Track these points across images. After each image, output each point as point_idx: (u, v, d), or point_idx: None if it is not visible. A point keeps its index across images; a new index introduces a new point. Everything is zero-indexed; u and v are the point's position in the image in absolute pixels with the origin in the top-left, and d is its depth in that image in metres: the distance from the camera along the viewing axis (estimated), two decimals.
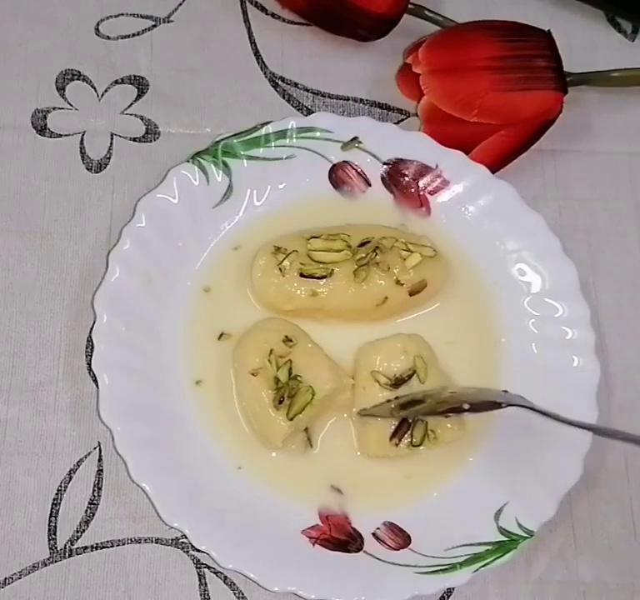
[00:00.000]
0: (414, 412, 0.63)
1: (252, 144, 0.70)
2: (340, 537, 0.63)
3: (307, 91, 0.76)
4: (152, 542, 0.64)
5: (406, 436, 0.63)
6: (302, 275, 0.65)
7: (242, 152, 0.69)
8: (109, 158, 0.72)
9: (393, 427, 0.63)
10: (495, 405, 0.62)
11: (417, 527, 0.63)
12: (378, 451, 0.64)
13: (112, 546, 0.64)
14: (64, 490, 0.64)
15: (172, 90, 0.75)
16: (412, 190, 0.71)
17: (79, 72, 0.74)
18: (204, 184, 0.68)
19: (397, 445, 0.63)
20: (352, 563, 0.62)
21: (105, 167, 0.72)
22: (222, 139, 0.69)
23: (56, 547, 0.63)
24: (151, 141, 0.73)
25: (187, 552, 0.64)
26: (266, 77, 0.76)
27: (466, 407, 0.61)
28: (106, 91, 0.74)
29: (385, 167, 0.71)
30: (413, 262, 0.65)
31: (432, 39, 0.72)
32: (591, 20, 0.81)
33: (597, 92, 0.78)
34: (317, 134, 0.70)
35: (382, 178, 0.71)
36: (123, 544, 0.64)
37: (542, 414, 0.60)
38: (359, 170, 0.71)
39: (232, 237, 0.69)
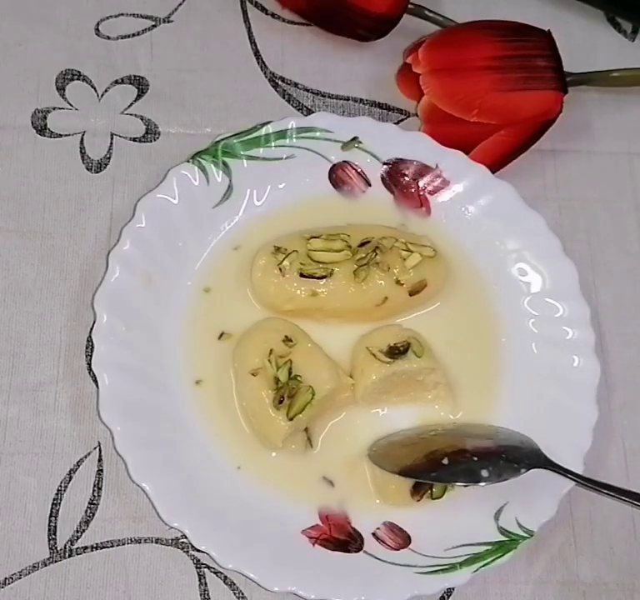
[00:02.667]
0: (427, 479, 0.62)
1: (252, 144, 0.70)
2: (340, 537, 0.63)
3: (307, 91, 0.76)
4: (152, 542, 0.64)
5: (426, 490, 0.64)
6: (302, 275, 0.65)
7: (242, 152, 0.69)
8: (109, 158, 0.72)
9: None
10: (515, 471, 0.61)
11: (417, 527, 0.63)
12: (397, 501, 0.64)
13: (112, 546, 0.64)
14: (64, 490, 0.64)
15: (172, 90, 0.75)
16: (412, 190, 0.71)
17: (79, 72, 0.74)
18: (204, 184, 0.68)
19: (418, 500, 0.64)
20: (352, 563, 0.62)
21: (105, 167, 0.72)
22: (222, 139, 0.69)
23: (56, 547, 0.63)
24: (151, 141, 0.73)
25: (187, 552, 0.64)
26: (266, 77, 0.76)
27: (485, 474, 0.61)
28: (106, 91, 0.74)
29: (385, 167, 0.71)
30: (413, 262, 0.65)
31: (432, 39, 0.72)
32: (591, 20, 0.81)
33: (597, 92, 0.78)
34: (317, 134, 0.70)
35: (382, 178, 0.71)
36: (123, 544, 0.64)
37: (572, 478, 0.61)
38: (359, 170, 0.71)
39: (232, 237, 0.69)
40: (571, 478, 0.61)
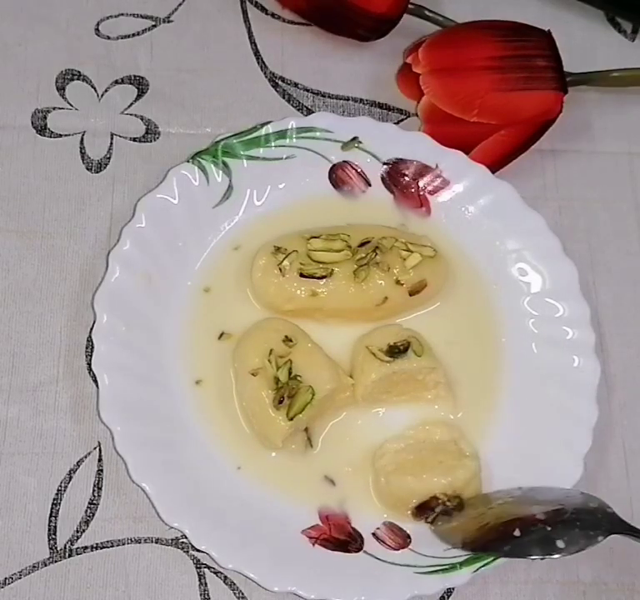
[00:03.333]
0: (501, 554, 0.60)
1: (252, 144, 0.70)
2: (340, 537, 0.63)
3: (307, 91, 0.76)
4: (152, 542, 0.64)
5: (431, 516, 0.62)
6: (302, 275, 0.65)
7: (242, 152, 0.69)
8: (109, 158, 0.72)
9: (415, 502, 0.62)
10: (591, 538, 0.58)
11: (417, 526, 0.63)
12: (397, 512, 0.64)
13: (112, 546, 0.64)
14: (64, 490, 0.64)
15: (172, 90, 0.75)
16: (412, 190, 0.71)
17: (79, 72, 0.74)
18: (204, 184, 0.68)
19: (424, 521, 0.63)
20: (352, 563, 0.62)
21: (105, 167, 0.72)
22: (222, 139, 0.69)
23: (56, 547, 0.63)
24: (151, 141, 0.73)
25: (187, 552, 0.64)
26: (266, 77, 0.76)
27: (560, 544, 0.58)
28: (106, 91, 0.74)
29: (385, 167, 0.71)
30: (413, 262, 0.65)
31: (432, 39, 0.72)
32: (591, 20, 0.81)
33: (597, 92, 0.78)
34: (317, 134, 0.70)
35: (382, 178, 0.71)
36: (123, 544, 0.64)
37: None
38: (359, 170, 0.71)
39: (232, 237, 0.69)
40: None
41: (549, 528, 0.59)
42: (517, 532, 0.59)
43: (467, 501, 0.62)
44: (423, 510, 0.62)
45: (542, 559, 0.59)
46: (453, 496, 0.61)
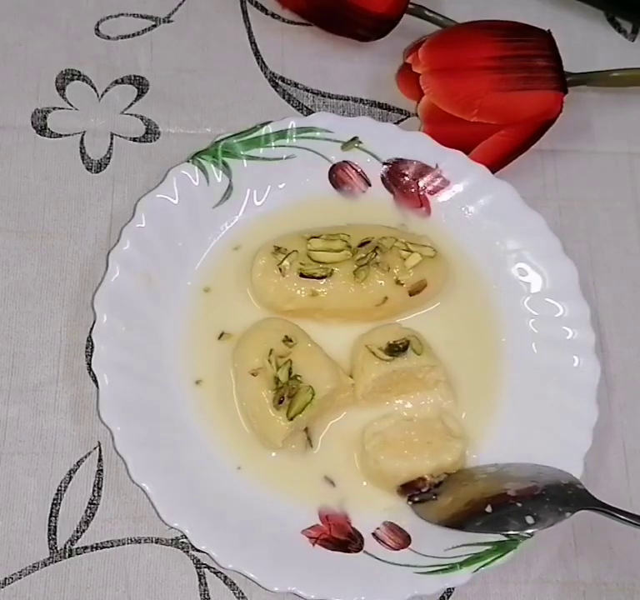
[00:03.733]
0: (473, 530, 0.61)
1: (252, 144, 0.70)
2: (340, 537, 0.63)
3: (307, 91, 0.76)
4: (152, 542, 0.64)
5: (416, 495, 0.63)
6: (302, 275, 0.65)
7: (242, 152, 0.69)
8: (109, 158, 0.72)
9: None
10: (560, 515, 0.59)
11: (417, 527, 0.63)
12: (382, 488, 0.64)
13: (112, 546, 0.64)
14: (64, 490, 0.64)
15: (172, 90, 0.75)
16: (412, 190, 0.71)
17: (79, 72, 0.74)
18: (204, 184, 0.68)
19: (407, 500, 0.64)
20: (352, 563, 0.62)
21: (105, 167, 0.72)
22: (222, 139, 0.69)
23: (56, 547, 0.63)
24: (151, 141, 0.73)
25: (187, 552, 0.64)
26: (266, 77, 0.76)
27: (530, 520, 0.59)
28: (106, 91, 0.74)
29: (385, 166, 0.71)
30: (413, 262, 0.65)
31: (432, 39, 0.72)
32: (591, 20, 0.81)
33: (597, 92, 0.78)
34: (317, 134, 0.70)
35: (382, 178, 0.71)
36: (123, 544, 0.64)
37: (623, 518, 0.59)
38: (359, 170, 0.71)
39: (232, 237, 0.69)
40: (622, 519, 0.60)
41: (520, 505, 0.60)
42: (488, 508, 0.60)
43: (443, 479, 0.63)
44: (409, 489, 0.63)
45: (513, 535, 0.60)
46: (439, 476, 0.63)
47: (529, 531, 0.60)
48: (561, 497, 0.61)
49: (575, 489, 0.61)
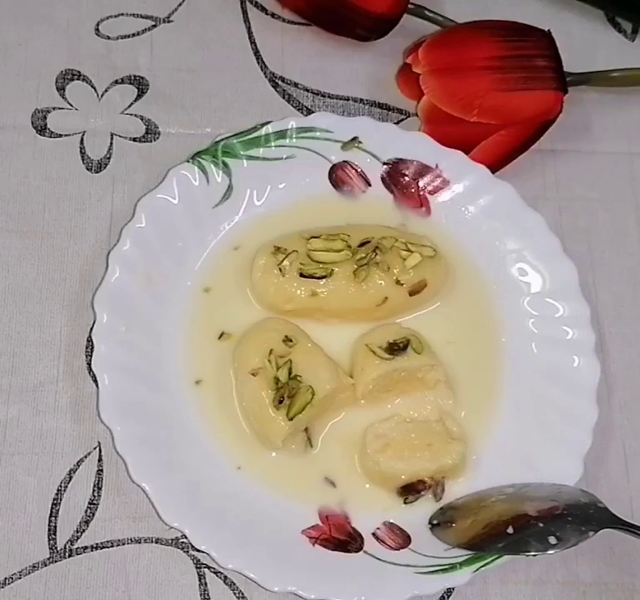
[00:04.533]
0: (495, 551, 0.60)
1: (252, 144, 0.70)
2: (340, 537, 0.63)
3: (307, 91, 0.76)
4: (152, 542, 0.64)
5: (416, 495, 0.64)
6: (302, 275, 0.65)
7: (242, 152, 0.69)
8: (109, 158, 0.72)
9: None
10: (582, 534, 0.59)
11: (417, 527, 0.63)
12: (381, 487, 0.64)
13: (112, 546, 0.64)
14: (64, 490, 0.64)
15: (172, 90, 0.75)
16: (412, 190, 0.71)
17: (79, 72, 0.74)
18: (204, 184, 0.68)
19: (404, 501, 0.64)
20: (352, 563, 0.62)
21: (105, 167, 0.72)
22: (222, 139, 0.69)
23: (56, 547, 0.63)
24: (151, 141, 0.73)
25: (187, 552, 0.64)
26: (266, 77, 0.76)
27: (552, 541, 0.58)
28: (106, 91, 0.74)
29: (385, 167, 0.71)
30: (413, 262, 0.65)
31: (432, 39, 0.72)
32: (591, 20, 0.81)
33: (597, 92, 0.78)
34: (317, 134, 0.70)
35: (382, 178, 0.71)
36: (123, 544, 0.64)
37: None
38: (359, 170, 0.71)
39: (232, 237, 0.69)
40: None
41: (542, 525, 0.59)
42: (510, 530, 0.60)
43: (461, 501, 0.63)
44: (409, 490, 0.63)
45: (534, 556, 0.60)
46: (439, 478, 0.63)
47: (551, 552, 0.59)
48: (583, 517, 0.60)
49: (596, 508, 0.61)
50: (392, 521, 0.64)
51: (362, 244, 0.66)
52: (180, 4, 0.77)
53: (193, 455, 0.64)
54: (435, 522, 0.63)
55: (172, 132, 0.74)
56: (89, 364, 0.66)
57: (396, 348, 0.64)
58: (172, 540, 0.64)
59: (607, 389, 0.69)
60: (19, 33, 0.75)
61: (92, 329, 0.64)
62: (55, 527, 0.64)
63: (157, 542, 0.64)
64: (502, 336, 0.69)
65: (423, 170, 0.71)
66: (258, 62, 0.76)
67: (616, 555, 0.66)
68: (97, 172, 0.72)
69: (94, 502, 0.64)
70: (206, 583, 0.63)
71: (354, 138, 0.71)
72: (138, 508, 0.64)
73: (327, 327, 0.67)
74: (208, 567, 0.64)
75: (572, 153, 0.76)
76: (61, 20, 0.76)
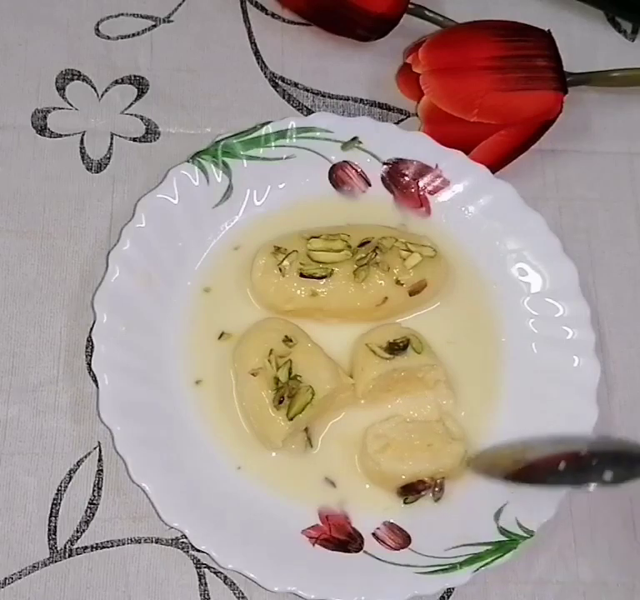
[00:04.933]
0: (543, 485, 0.59)
1: (252, 144, 0.70)
2: (340, 537, 0.63)
3: (307, 91, 0.76)
4: (152, 542, 0.64)
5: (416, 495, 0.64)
6: (302, 275, 0.65)
7: (242, 152, 0.69)
8: (109, 158, 0.72)
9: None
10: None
11: (417, 527, 0.63)
12: (381, 487, 0.64)
13: (112, 546, 0.64)
14: (64, 490, 0.64)
15: (172, 90, 0.75)
16: (412, 190, 0.71)
17: (79, 72, 0.74)
18: (204, 184, 0.68)
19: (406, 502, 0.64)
20: (352, 563, 0.62)
21: (105, 167, 0.72)
22: (222, 139, 0.69)
23: (56, 547, 0.63)
24: (151, 141, 0.73)
25: (187, 552, 0.64)
26: (266, 77, 0.76)
27: (607, 477, 0.55)
28: (106, 91, 0.74)
29: (385, 167, 0.71)
30: (413, 262, 0.65)
31: (432, 39, 0.72)
32: (591, 20, 0.81)
33: (597, 92, 0.78)
34: (317, 134, 0.70)
35: (382, 178, 0.71)
36: (123, 544, 0.64)
37: None
38: (359, 170, 0.71)
39: (232, 237, 0.69)
40: None
41: (595, 463, 0.58)
42: (562, 466, 0.58)
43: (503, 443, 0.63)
44: (409, 490, 0.63)
45: (591, 491, 0.57)
46: (439, 479, 0.63)
47: (611, 486, 0.56)
48: (635, 458, 0.58)
49: None
50: (392, 521, 0.64)
51: (362, 244, 0.66)
52: (180, 4, 0.77)
53: (193, 455, 0.64)
54: (477, 458, 0.63)
55: (172, 132, 0.74)
56: (89, 364, 0.66)
57: (396, 348, 0.64)
58: (172, 540, 0.64)
59: (607, 389, 0.69)
60: (19, 33, 0.75)
61: (92, 329, 0.64)
62: (55, 527, 0.64)
63: (157, 542, 0.64)
64: (502, 336, 0.69)
65: (423, 170, 0.71)
66: (258, 62, 0.76)
67: (616, 555, 0.66)
68: (97, 172, 0.72)
69: (94, 502, 0.64)
70: (206, 583, 0.63)
71: (354, 138, 0.71)
72: (138, 508, 0.64)
73: (327, 327, 0.67)
74: (208, 567, 0.64)
75: (572, 153, 0.76)
76: (61, 20, 0.76)
